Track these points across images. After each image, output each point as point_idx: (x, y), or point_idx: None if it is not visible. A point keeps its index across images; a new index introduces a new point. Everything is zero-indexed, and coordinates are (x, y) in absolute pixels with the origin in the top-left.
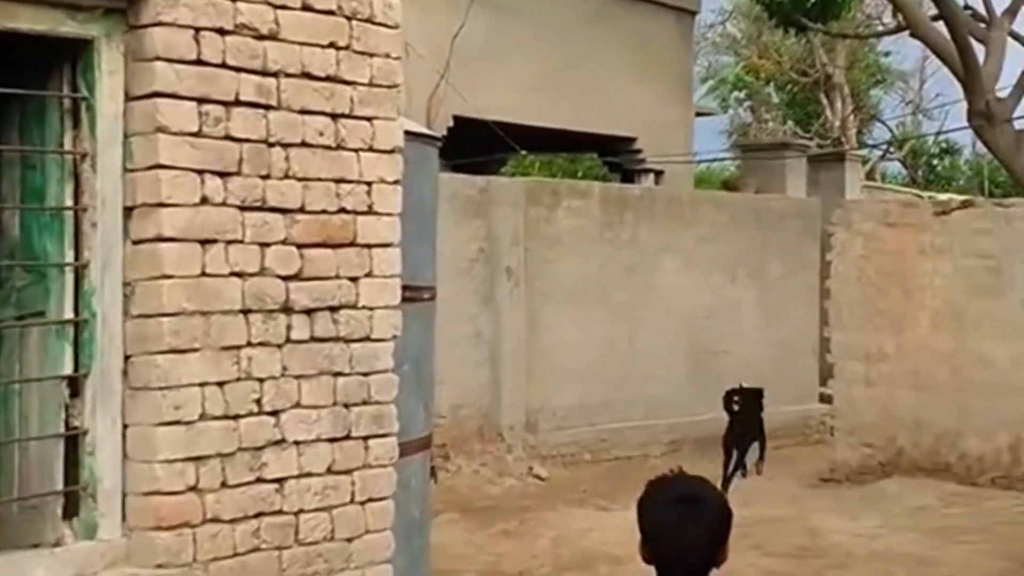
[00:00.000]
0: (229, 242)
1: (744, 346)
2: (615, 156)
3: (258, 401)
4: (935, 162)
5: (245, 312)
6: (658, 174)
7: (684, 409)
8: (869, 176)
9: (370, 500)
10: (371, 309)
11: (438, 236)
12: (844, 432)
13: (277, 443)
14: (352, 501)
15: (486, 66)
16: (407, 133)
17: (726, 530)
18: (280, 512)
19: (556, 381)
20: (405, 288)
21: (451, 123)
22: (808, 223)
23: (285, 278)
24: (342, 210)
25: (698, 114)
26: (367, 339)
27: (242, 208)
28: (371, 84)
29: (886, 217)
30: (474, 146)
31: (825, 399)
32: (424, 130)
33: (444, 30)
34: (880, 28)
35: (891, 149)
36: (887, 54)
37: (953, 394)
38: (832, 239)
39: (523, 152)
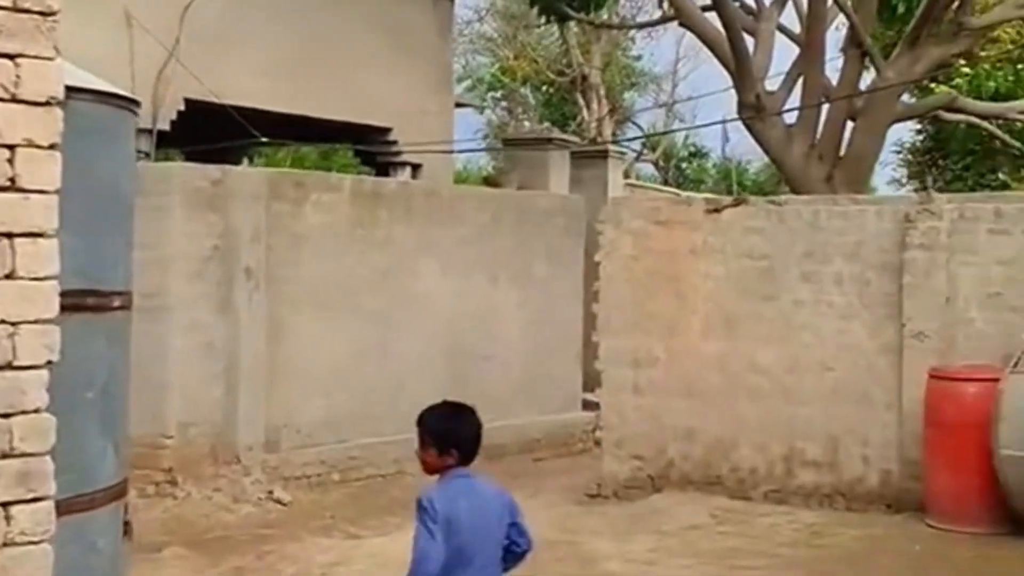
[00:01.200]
0: None
1: (506, 352)
2: (368, 148)
3: None
4: (684, 165)
5: None
6: (415, 168)
7: None
8: (624, 177)
9: None
10: (13, 324)
11: (166, 234)
12: (612, 444)
13: None
14: None
15: (223, 44)
16: (93, 92)
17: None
18: None
19: (301, 394)
20: (88, 295)
21: (182, 106)
22: (572, 221)
23: None
24: None
25: (458, 104)
26: (7, 367)
27: None
28: (14, 8)
29: (656, 215)
30: (210, 133)
31: (589, 406)
32: (115, 89)
33: (174, 1)
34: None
35: (644, 151)
36: (639, 58)
37: (725, 402)
38: (600, 238)
39: (264, 140)
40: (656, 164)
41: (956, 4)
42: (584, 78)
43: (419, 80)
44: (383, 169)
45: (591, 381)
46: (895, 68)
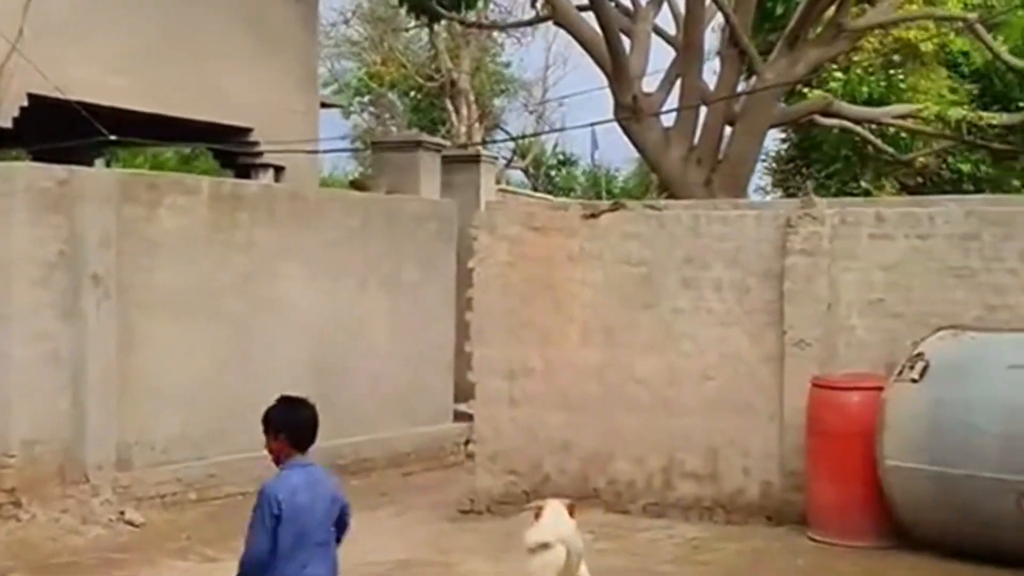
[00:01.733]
0: None
1: (375, 361)
2: (228, 147)
3: None
4: (553, 172)
5: None
6: (279, 170)
7: None
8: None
9: None
10: None
11: (7, 237)
12: (486, 458)
13: None
14: None
15: (72, 36)
16: None
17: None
18: None
19: (155, 409)
20: None
21: (25, 102)
22: (444, 227)
23: None
24: None
25: (324, 105)
26: None
27: None
28: None
29: (532, 220)
30: (59, 132)
31: (461, 418)
32: None
33: None
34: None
35: (514, 157)
36: (508, 64)
37: (603, 413)
38: (474, 244)
39: (113, 139)
40: (526, 171)
41: (835, 5)
42: (453, 83)
43: (283, 78)
44: (244, 171)
45: (463, 392)
46: (774, 70)
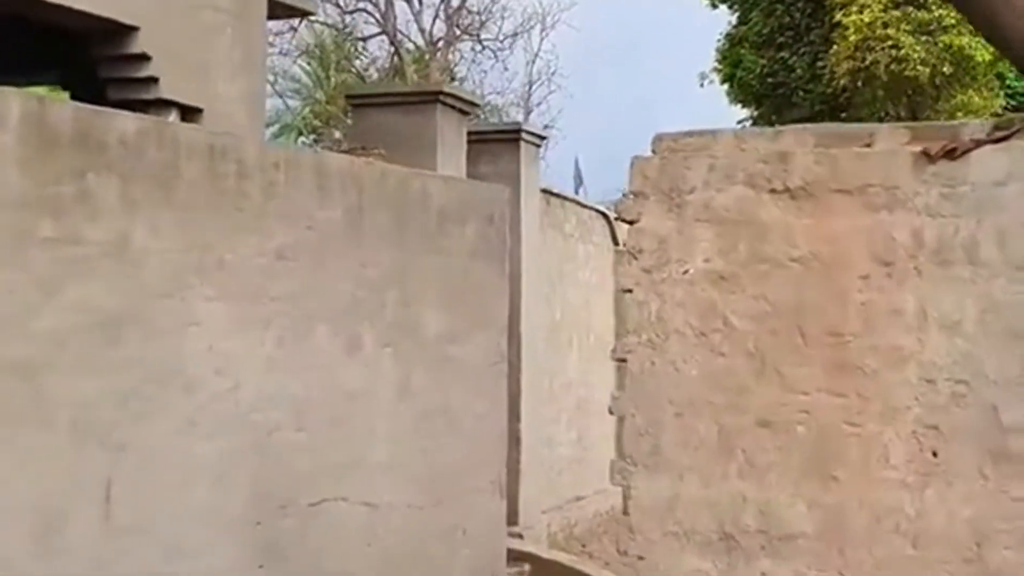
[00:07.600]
0: None
1: (371, 485)
2: (96, 65)
3: None
4: None
5: None
6: (188, 112)
7: None
8: None
9: None
10: None
11: None
12: None
13: None
14: None
15: None
16: None
17: None
18: None
19: None
20: None
21: None
22: (491, 232)
23: None
24: None
25: (276, 14)
26: None
27: None
28: None
29: (784, 170)
30: None
31: (514, 558)
32: None
33: None
34: None
35: None
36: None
37: None
38: (620, 248)
39: None
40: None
41: None
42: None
43: None
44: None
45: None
46: None
